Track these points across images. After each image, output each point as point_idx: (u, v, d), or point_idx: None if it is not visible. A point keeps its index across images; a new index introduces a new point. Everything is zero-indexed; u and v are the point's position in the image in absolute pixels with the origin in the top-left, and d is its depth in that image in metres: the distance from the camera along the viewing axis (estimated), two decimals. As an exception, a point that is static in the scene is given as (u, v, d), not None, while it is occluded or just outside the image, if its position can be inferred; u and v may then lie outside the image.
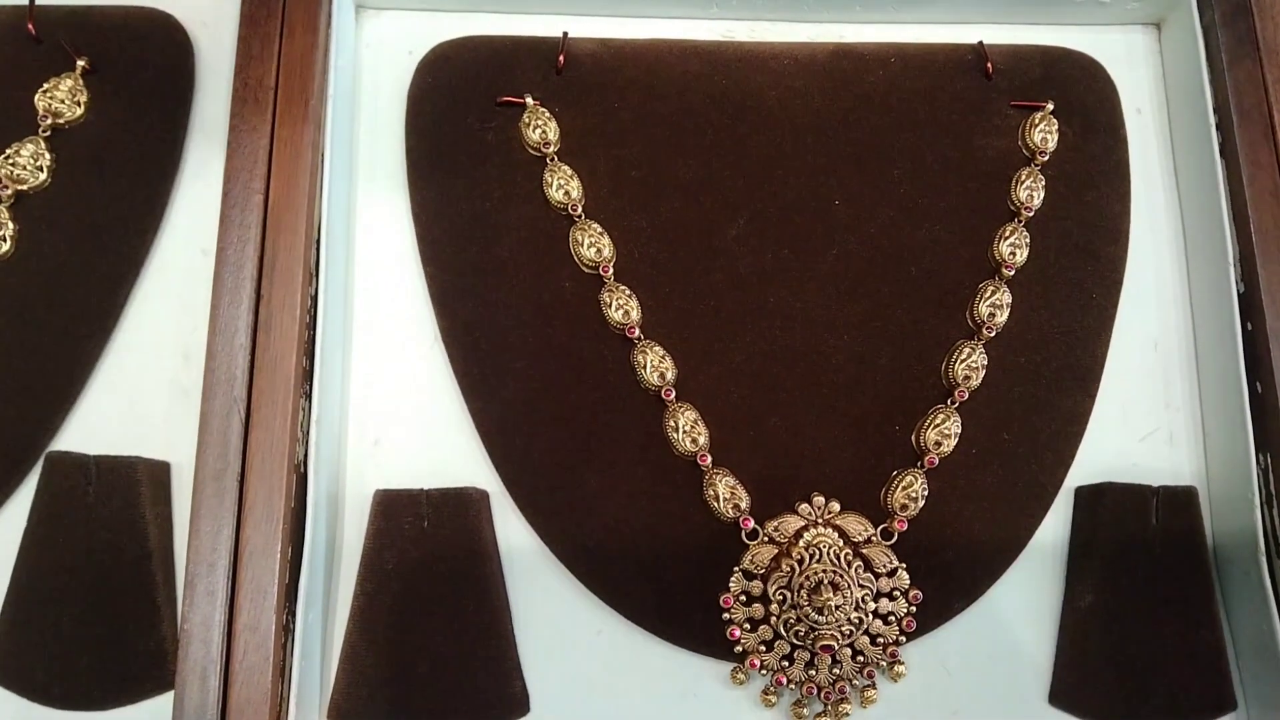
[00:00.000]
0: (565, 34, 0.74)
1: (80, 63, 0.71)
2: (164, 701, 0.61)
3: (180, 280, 0.69)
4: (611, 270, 0.68)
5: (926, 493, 0.64)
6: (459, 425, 0.67)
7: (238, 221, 0.65)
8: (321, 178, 0.68)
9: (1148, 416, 0.70)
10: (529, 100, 0.71)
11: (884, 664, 0.63)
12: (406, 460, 0.67)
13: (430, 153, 0.72)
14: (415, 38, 0.75)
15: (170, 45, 0.73)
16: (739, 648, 0.63)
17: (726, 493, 0.64)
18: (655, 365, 0.66)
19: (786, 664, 0.63)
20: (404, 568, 0.63)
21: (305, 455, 0.63)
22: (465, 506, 0.64)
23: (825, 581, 0.61)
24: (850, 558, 0.63)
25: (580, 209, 0.69)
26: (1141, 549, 0.66)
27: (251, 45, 0.69)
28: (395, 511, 0.64)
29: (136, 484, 0.63)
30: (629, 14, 0.76)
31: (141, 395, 0.67)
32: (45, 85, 0.70)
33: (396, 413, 0.68)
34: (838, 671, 0.63)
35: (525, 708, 0.63)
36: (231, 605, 0.59)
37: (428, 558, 0.63)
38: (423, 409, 0.68)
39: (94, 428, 0.66)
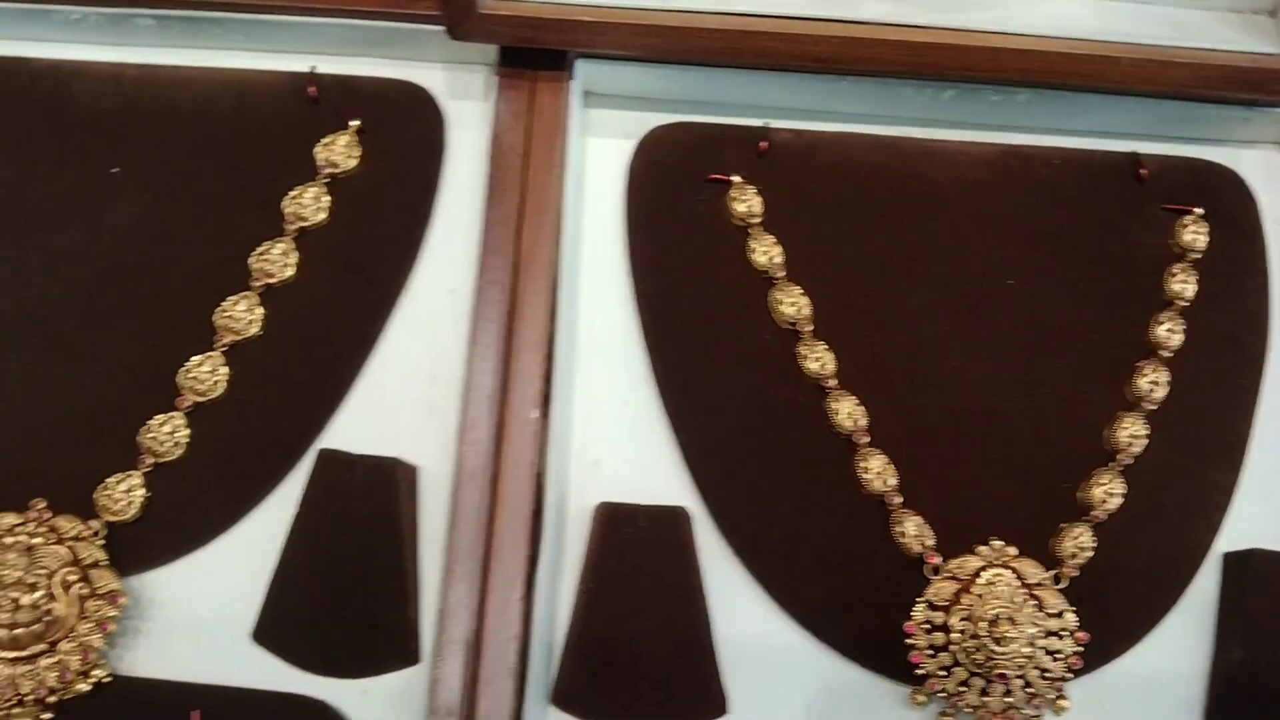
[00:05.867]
0: (766, 124, 0.84)
1: (354, 124, 0.82)
2: (406, 675, 0.69)
3: (429, 313, 0.79)
4: (809, 327, 0.77)
5: (1093, 544, 0.71)
6: (667, 453, 0.76)
7: (492, 265, 0.76)
8: (562, 234, 0.78)
9: (1292, 490, 0.77)
10: (735, 179, 0.82)
11: (1050, 697, 0.69)
12: (621, 480, 0.75)
13: (647, 219, 0.82)
14: (633, 124, 0.86)
15: (425, 114, 0.84)
16: (919, 671, 0.69)
17: (915, 530, 0.71)
18: (849, 412, 0.74)
19: (963, 689, 0.69)
20: (620, 573, 0.71)
21: (542, 469, 0.72)
22: (674, 523, 0.72)
23: (1004, 615, 0.68)
24: (1025, 597, 0.69)
25: (780, 273, 0.78)
26: (1287, 611, 0.72)
27: (504, 118, 0.81)
28: (616, 522, 0.72)
29: (395, 482, 0.72)
30: (819, 116, 0.86)
31: (392, 409, 0.76)
32: (325, 139, 0.81)
33: (614, 439, 0.76)
34: (1009, 700, 0.69)
35: (723, 710, 0.70)
36: (483, 591, 0.67)
37: (641, 565, 0.71)
38: (636, 437, 0.76)
39: (350, 433, 0.75)
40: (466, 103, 0.86)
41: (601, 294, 0.81)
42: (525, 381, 0.73)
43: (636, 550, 0.71)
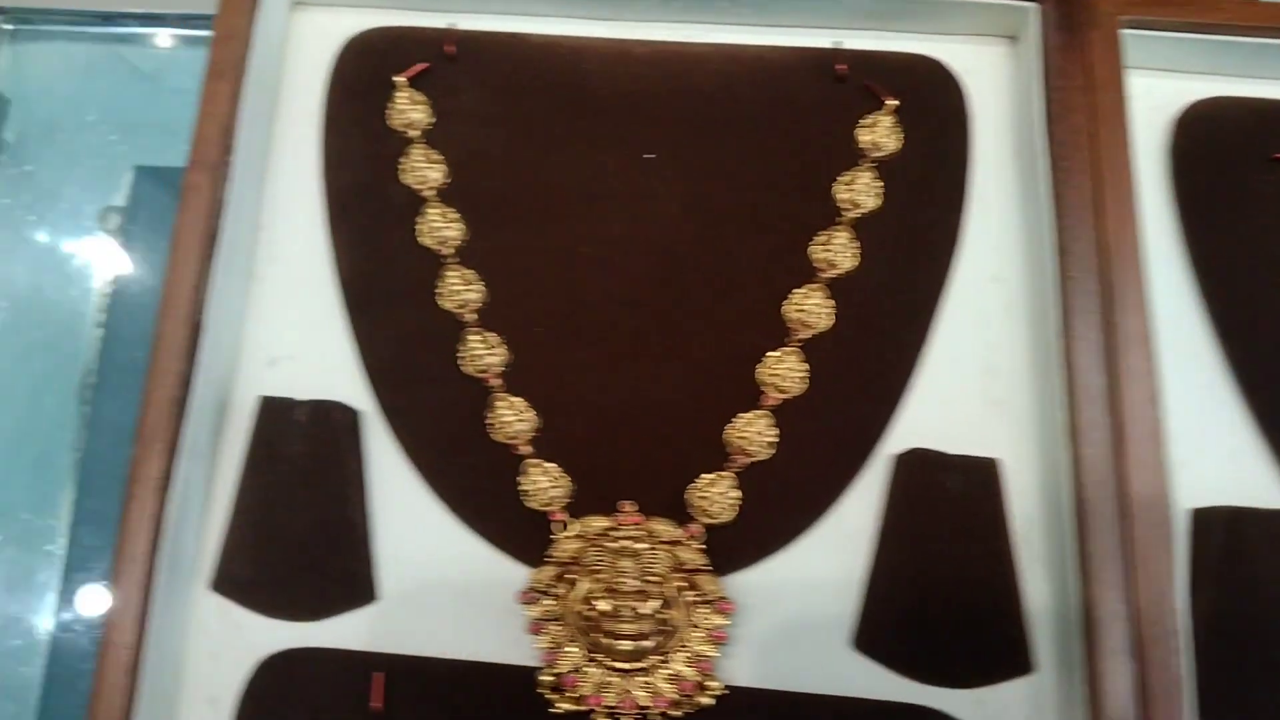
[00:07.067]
0: (1324, 100, 0.77)
1: (892, 103, 0.77)
2: (1021, 684, 0.66)
3: (976, 302, 0.75)
4: None
5: None
6: (1257, 452, 0.71)
7: (1078, 254, 0.71)
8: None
9: None
10: (1298, 159, 0.75)
11: None
12: (1206, 480, 0.70)
13: (1204, 201, 0.76)
14: (1163, 96, 0.80)
15: (948, 90, 0.80)
16: None
17: None
18: None
19: None
20: (1238, 583, 0.66)
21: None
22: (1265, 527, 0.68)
23: None
24: None
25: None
26: None
27: (1060, 96, 0.75)
28: (1241, 528, 0.68)
29: (992, 484, 0.68)
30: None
31: (952, 402, 0.72)
32: (864, 120, 0.77)
33: (1190, 435, 0.71)
34: None
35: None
36: (1133, 601, 0.63)
37: (1251, 575, 0.67)
38: (1220, 434, 0.72)
39: (916, 428, 0.71)
40: (985, 77, 0.81)
41: (1156, 279, 0.75)
42: (1136, 378, 0.68)
43: (1238, 564, 0.67)
